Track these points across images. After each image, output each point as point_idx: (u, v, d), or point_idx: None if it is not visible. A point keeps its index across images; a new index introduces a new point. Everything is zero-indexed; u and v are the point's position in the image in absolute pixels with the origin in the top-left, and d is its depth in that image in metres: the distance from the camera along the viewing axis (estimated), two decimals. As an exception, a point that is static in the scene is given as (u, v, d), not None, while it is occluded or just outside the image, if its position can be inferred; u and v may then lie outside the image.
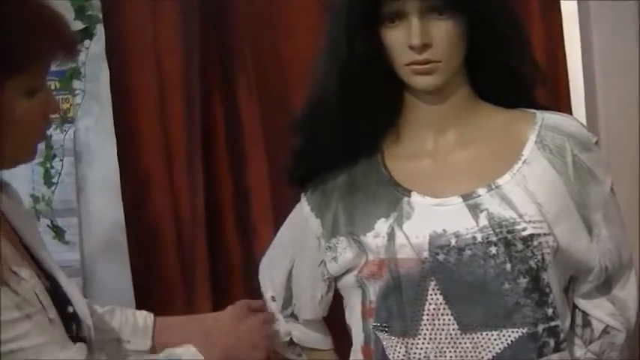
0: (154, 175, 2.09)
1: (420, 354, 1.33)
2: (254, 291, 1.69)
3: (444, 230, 1.33)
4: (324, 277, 1.49)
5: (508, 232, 1.31)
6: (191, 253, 2.05)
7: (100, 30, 2.13)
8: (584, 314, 1.43)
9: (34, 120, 1.30)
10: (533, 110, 1.42)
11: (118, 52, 2.09)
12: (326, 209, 1.45)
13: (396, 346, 1.35)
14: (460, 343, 1.32)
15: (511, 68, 1.39)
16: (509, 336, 1.31)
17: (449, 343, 1.32)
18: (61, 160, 2.25)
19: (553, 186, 1.35)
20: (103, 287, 2.26)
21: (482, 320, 1.31)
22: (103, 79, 2.16)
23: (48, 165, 2.24)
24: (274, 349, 1.62)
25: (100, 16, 2.11)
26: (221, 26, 2.09)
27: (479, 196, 1.34)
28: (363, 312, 1.41)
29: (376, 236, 1.37)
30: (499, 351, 1.31)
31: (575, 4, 2.22)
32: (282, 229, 1.60)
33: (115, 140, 2.09)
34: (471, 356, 1.31)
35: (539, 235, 1.31)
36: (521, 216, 1.32)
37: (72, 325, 1.35)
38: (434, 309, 1.33)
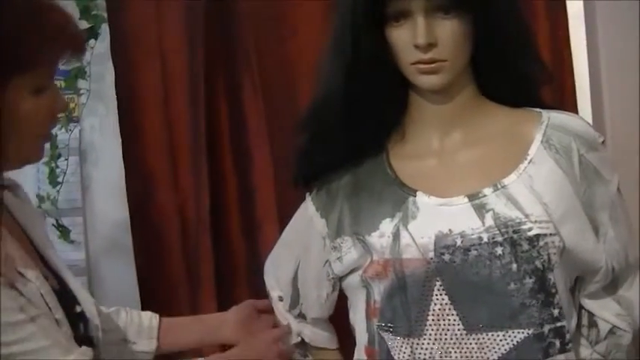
0: (159, 174, 2.09)
1: (425, 354, 1.33)
2: (259, 290, 1.69)
3: (449, 230, 1.33)
4: (328, 276, 1.49)
5: (514, 232, 1.31)
6: (196, 253, 2.05)
7: (104, 29, 2.13)
8: (591, 314, 1.42)
9: (40, 118, 1.30)
10: (539, 110, 1.41)
11: (123, 51, 2.09)
12: (331, 209, 1.45)
13: (401, 346, 1.35)
14: (465, 344, 1.31)
15: (517, 67, 1.38)
16: (515, 336, 1.30)
17: (454, 343, 1.32)
18: (66, 160, 2.26)
19: (559, 186, 1.34)
20: (107, 286, 2.26)
21: (488, 321, 1.31)
22: (108, 78, 2.16)
23: (53, 164, 2.24)
24: None
25: (105, 15, 2.11)
26: (226, 26, 2.09)
27: (485, 196, 1.34)
28: (368, 312, 1.41)
29: (381, 236, 1.36)
30: (505, 352, 1.30)
31: (580, 3, 2.21)
32: (287, 228, 1.60)
33: (120, 139, 2.09)
34: (477, 357, 1.31)
35: (545, 235, 1.31)
36: (527, 216, 1.31)
37: (79, 325, 1.36)
38: (439, 309, 1.32)
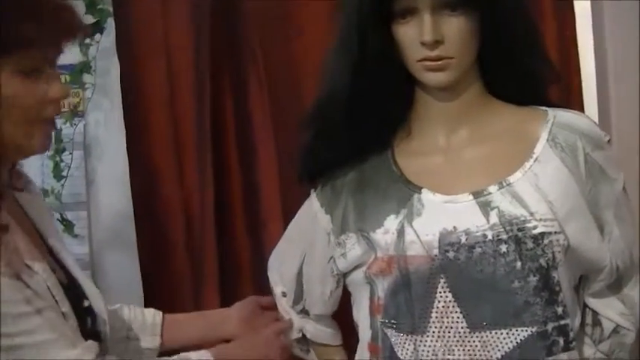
0: (164, 169, 2.09)
1: (428, 351, 1.33)
2: (263, 286, 1.69)
3: (454, 227, 1.32)
4: (333, 273, 1.49)
5: (519, 230, 1.30)
6: (200, 248, 2.05)
7: (110, 24, 2.13)
8: (594, 313, 1.42)
9: (30, 101, 1.28)
10: (544, 108, 1.41)
11: (128, 46, 2.08)
12: (336, 205, 1.45)
13: (405, 343, 1.35)
14: (469, 342, 1.31)
15: (524, 66, 1.38)
16: (519, 335, 1.30)
17: (457, 341, 1.32)
18: (71, 154, 2.25)
19: (564, 184, 1.34)
20: (111, 280, 2.26)
21: (492, 319, 1.31)
22: (113, 73, 2.16)
23: (57, 158, 2.24)
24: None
25: (111, 10, 2.11)
26: (232, 22, 2.08)
27: (490, 193, 1.33)
28: (371, 308, 1.41)
29: (386, 233, 1.36)
30: (508, 350, 1.30)
31: (588, 3, 2.21)
32: (292, 224, 1.60)
33: (124, 134, 2.08)
34: (480, 355, 1.30)
35: (549, 233, 1.31)
36: (532, 214, 1.31)
37: (87, 319, 1.35)
38: (443, 307, 1.32)
